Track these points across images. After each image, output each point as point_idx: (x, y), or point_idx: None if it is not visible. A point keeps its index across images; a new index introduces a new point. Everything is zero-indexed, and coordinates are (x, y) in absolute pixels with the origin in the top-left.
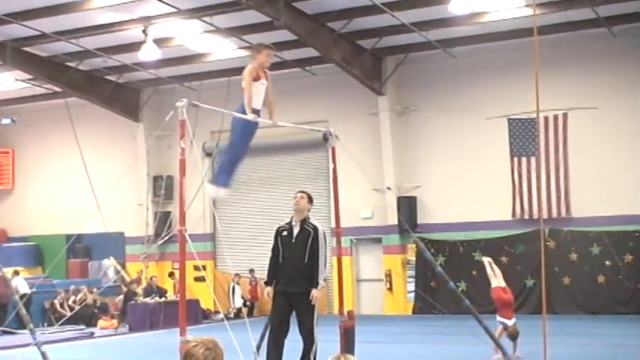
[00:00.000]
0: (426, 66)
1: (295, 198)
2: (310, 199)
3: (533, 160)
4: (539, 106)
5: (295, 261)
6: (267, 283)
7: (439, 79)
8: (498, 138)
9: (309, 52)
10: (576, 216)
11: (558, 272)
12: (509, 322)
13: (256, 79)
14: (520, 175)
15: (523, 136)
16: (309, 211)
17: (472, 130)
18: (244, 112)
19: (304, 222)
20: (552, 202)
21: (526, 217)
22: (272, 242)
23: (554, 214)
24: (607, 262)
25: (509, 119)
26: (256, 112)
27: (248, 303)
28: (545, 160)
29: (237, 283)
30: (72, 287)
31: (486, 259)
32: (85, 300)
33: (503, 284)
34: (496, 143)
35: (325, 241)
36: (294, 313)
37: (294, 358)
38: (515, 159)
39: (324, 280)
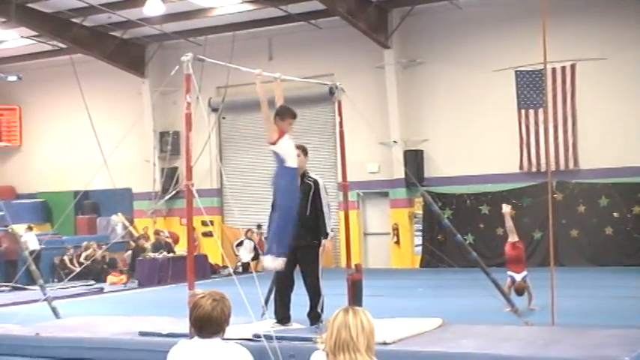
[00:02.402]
0: (432, 18)
1: None
2: (305, 152)
3: (540, 112)
4: (547, 58)
5: (298, 215)
6: (267, 239)
7: (445, 31)
8: (505, 90)
9: (315, 5)
10: (584, 168)
11: (566, 225)
12: (517, 277)
13: (281, 136)
14: (527, 128)
15: (530, 88)
16: (305, 163)
17: (479, 82)
18: (289, 174)
19: (304, 176)
20: (560, 155)
21: (533, 169)
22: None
23: (562, 167)
24: (615, 214)
25: (516, 71)
26: (294, 170)
27: (261, 256)
28: (553, 112)
29: (250, 238)
30: (84, 243)
31: (507, 209)
32: (94, 256)
33: (514, 239)
34: (503, 95)
35: (326, 192)
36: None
37: (301, 312)
38: (523, 111)
39: (331, 230)
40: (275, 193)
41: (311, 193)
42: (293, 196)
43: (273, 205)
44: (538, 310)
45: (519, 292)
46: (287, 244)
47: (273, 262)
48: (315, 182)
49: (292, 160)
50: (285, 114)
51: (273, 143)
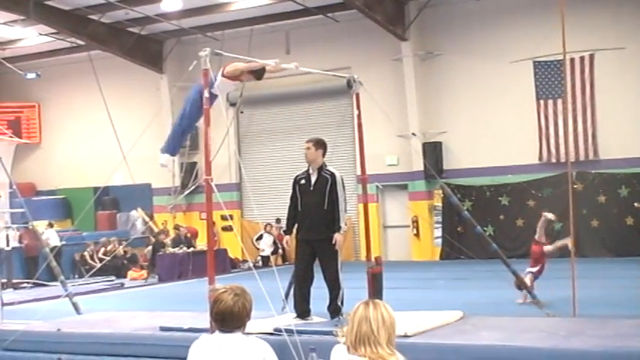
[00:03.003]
0: (450, 9)
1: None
2: (319, 145)
3: (559, 102)
4: (565, 48)
5: (315, 208)
6: (286, 232)
7: (463, 22)
8: (524, 81)
9: None
10: (604, 158)
11: (586, 215)
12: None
13: (233, 79)
14: (546, 118)
15: (549, 79)
16: (323, 156)
17: (497, 73)
18: (198, 90)
19: (321, 169)
20: (579, 145)
21: (553, 160)
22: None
23: (582, 157)
24: (635, 204)
25: (534, 62)
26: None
27: (280, 250)
28: (572, 102)
29: (269, 232)
30: (103, 239)
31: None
32: (114, 251)
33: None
34: (521, 86)
35: (343, 185)
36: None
37: (321, 305)
38: (542, 102)
39: (346, 224)
40: (186, 102)
41: (328, 186)
42: (198, 111)
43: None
44: (555, 301)
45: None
46: (177, 146)
47: (164, 161)
48: (332, 175)
49: (221, 90)
50: (255, 73)
51: (229, 77)
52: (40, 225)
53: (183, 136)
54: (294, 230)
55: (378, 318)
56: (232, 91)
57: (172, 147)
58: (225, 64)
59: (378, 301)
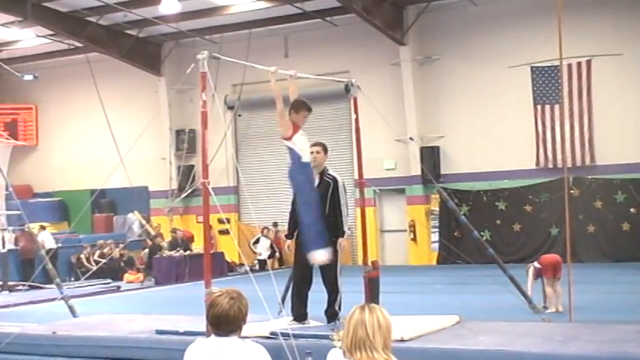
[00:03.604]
0: (448, 14)
1: (312, 153)
2: (325, 150)
3: (556, 107)
4: (563, 53)
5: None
6: (287, 236)
7: (461, 27)
8: (521, 86)
9: (330, 2)
10: (600, 163)
11: (583, 220)
12: None
13: (295, 131)
14: (544, 124)
15: (546, 84)
16: (325, 160)
17: (495, 78)
18: (306, 169)
19: (323, 173)
20: (576, 150)
21: (550, 165)
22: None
23: (579, 162)
24: (632, 210)
25: (532, 67)
26: (309, 165)
27: (277, 254)
28: (569, 107)
29: (266, 236)
30: (100, 242)
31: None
32: (111, 254)
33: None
34: (519, 92)
35: (345, 190)
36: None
37: (318, 309)
38: (539, 107)
39: (349, 228)
40: (296, 191)
41: (330, 190)
42: (312, 189)
43: (293, 202)
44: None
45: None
46: (324, 234)
47: (325, 255)
48: (334, 180)
49: (307, 155)
50: (299, 107)
51: (288, 139)
52: (35, 227)
53: (316, 218)
54: (296, 234)
55: (374, 323)
56: (307, 143)
57: (320, 238)
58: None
59: (374, 305)
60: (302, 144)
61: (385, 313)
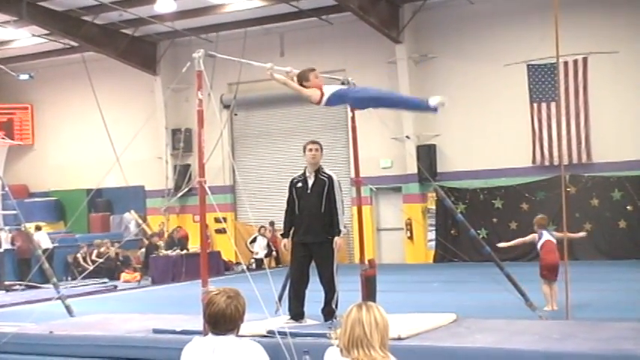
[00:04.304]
0: (444, 12)
1: (311, 151)
2: (321, 148)
3: (553, 105)
4: (559, 51)
5: (312, 211)
6: (283, 235)
7: (457, 25)
8: (518, 84)
9: (326, 0)
10: (597, 161)
11: (579, 218)
12: None
13: (320, 88)
14: (540, 121)
15: (542, 82)
16: (321, 159)
17: (491, 76)
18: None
19: (318, 172)
20: (573, 148)
21: (546, 163)
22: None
23: (575, 160)
24: (628, 207)
25: (528, 65)
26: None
27: (274, 253)
28: (566, 105)
29: (263, 235)
30: (96, 241)
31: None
32: (107, 254)
33: None
34: (515, 89)
35: (340, 188)
36: (313, 263)
37: (315, 308)
38: (535, 105)
39: (345, 227)
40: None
41: (325, 189)
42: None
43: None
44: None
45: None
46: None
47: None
48: (330, 178)
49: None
50: (305, 75)
51: (320, 100)
52: (30, 227)
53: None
54: (291, 233)
55: (371, 321)
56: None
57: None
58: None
59: (371, 303)
60: (332, 87)
61: (382, 312)
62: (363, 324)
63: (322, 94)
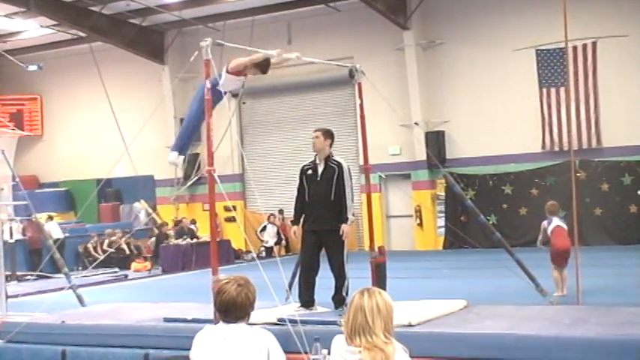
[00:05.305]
0: None
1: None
2: (327, 135)
3: (562, 90)
4: (568, 36)
5: (322, 199)
6: (293, 223)
7: (465, 11)
8: (526, 69)
9: None
10: (607, 146)
11: (589, 203)
12: None
13: (239, 75)
14: (549, 107)
15: (551, 67)
16: (330, 146)
17: (500, 62)
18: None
19: (328, 159)
20: (582, 133)
21: (556, 148)
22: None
23: (585, 145)
24: (639, 192)
25: (537, 50)
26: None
27: (284, 241)
28: (575, 90)
29: (272, 223)
30: (107, 231)
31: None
32: (118, 244)
33: None
34: (524, 75)
35: (350, 175)
36: (324, 250)
37: (326, 295)
38: (544, 90)
39: (353, 214)
40: (194, 100)
41: (335, 176)
42: (200, 107)
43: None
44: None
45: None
46: (186, 144)
47: (175, 159)
48: (340, 165)
49: (227, 86)
50: (260, 66)
51: (232, 72)
52: (41, 218)
53: (193, 135)
54: (302, 221)
55: (373, 307)
56: (239, 87)
57: (181, 145)
58: (229, 60)
59: (373, 289)
60: (233, 81)
61: (385, 297)
62: (365, 311)
63: (236, 73)
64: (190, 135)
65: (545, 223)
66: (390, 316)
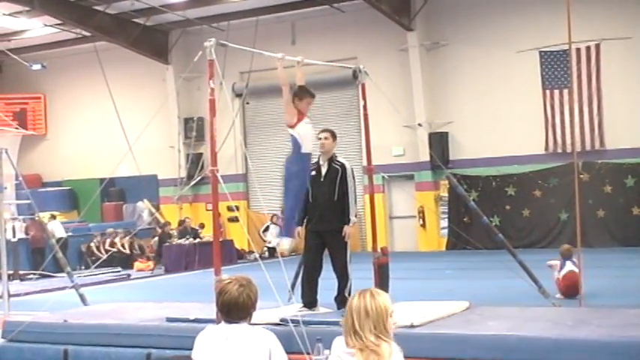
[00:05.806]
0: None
1: (320, 140)
2: (334, 136)
3: (565, 92)
4: (571, 38)
5: (325, 199)
6: (297, 223)
7: (469, 12)
8: (530, 71)
9: None
10: (610, 148)
11: (592, 205)
12: None
13: (300, 119)
14: (552, 108)
15: (555, 69)
16: (334, 147)
17: (503, 63)
18: (303, 160)
19: (331, 160)
20: (586, 135)
21: (559, 150)
22: None
23: (588, 147)
24: None
25: (540, 51)
26: (308, 156)
27: None
28: (578, 92)
29: (275, 223)
30: (109, 230)
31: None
32: (123, 244)
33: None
34: (528, 76)
35: (353, 176)
36: (327, 251)
37: (328, 296)
38: (548, 92)
39: (356, 216)
40: (286, 178)
41: (338, 177)
42: (304, 182)
43: (285, 188)
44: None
45: None
46: (294, 227)
47: (287, 244)
48: (343, 166)
49: (308, 145)
50: (303, 94)
51: (292, 127)
52: (44, 216)
53: (295, 210)
54: (305, 221)
55: (360, 309)
56: (310, 130)
57: (292, 226)
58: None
59: (367, 290)
60: (306, 132)
61: (378, 297)
62: (355, 312)
63: (297, 123)
64: (293, 213)
65: (557, 264)
66: (381, 317)
